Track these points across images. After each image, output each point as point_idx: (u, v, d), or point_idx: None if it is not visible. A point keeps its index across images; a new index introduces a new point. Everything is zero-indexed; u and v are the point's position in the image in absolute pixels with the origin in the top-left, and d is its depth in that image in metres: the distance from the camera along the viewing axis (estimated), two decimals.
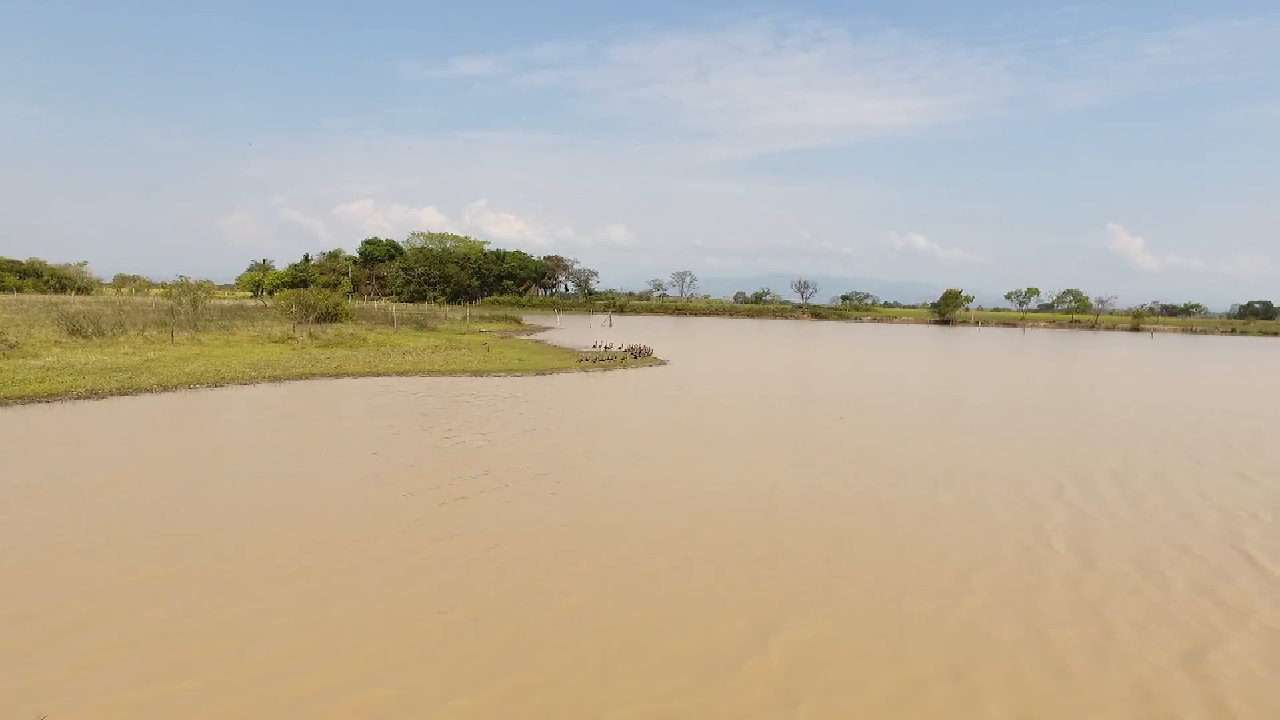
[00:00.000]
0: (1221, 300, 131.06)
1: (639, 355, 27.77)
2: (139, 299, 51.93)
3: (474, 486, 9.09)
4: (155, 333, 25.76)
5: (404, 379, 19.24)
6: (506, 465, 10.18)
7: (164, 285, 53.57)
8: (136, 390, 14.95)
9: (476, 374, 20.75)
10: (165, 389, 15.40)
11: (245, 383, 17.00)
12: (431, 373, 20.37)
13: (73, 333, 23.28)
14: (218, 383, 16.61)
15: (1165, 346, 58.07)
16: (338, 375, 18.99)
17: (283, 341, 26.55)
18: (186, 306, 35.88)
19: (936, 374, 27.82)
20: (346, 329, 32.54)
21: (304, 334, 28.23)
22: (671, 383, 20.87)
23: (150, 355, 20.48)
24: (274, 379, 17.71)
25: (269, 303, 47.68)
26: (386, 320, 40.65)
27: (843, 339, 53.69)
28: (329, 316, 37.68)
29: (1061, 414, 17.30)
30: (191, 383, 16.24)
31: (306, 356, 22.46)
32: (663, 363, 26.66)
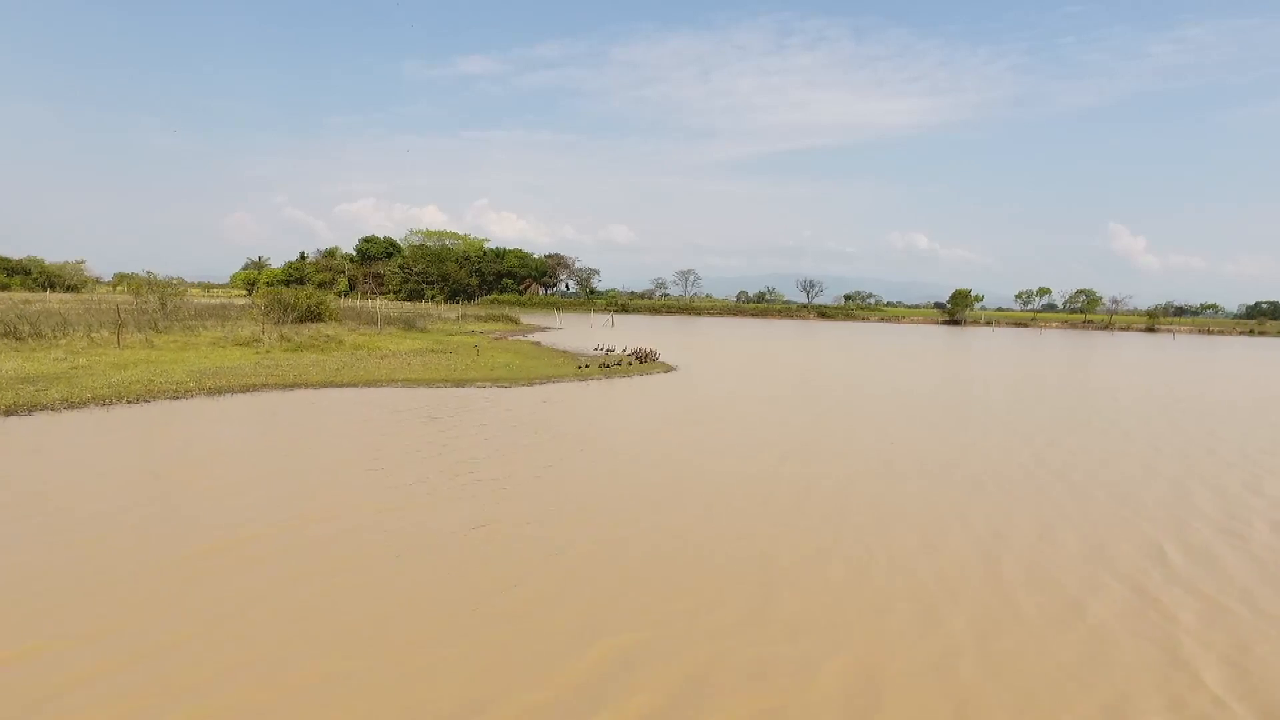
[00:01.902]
0: (1225, 300, 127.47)
1: (644, 360, 25.07)
2: (114, 297, 49.36)
3: (368, 575, 6.38)
4: (107, 334, 23.12)
5: (370, 390, 16.53)
6: (440, 519, 7.47)
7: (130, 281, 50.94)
8: (32, 408, 12.24)
9: (458, 384, 18.03)
10: (71, 406, 12.70)
11: (177, 396, 14.30)
12: (405, 382, 17.66)
13: (4, 335, 20.63)
14: (144, 396, 13.92)
15: (1193, 349, 55.16)
16: (293, 386, 16.28)
17: (247, 344, 23.86)
18: (154, 304, 33.43)
19: (975, 382, 25.01)
20: (326, 330, 29.86)
21: (274, 336, 25.56)
22: (683, 394, 18.15)
23: (83, 361, 17.80)
24: (213, 391, 15.01)
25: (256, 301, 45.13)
26: (374, 320, 37.96)
27: (856, 340, 50.88)
28: (312, 316, 35.03)
29: (1135, 435, 14.53)
30: (111, 396, 13.55)
31: (266, 362, 19.77)
32: (670, 368, 23.93)
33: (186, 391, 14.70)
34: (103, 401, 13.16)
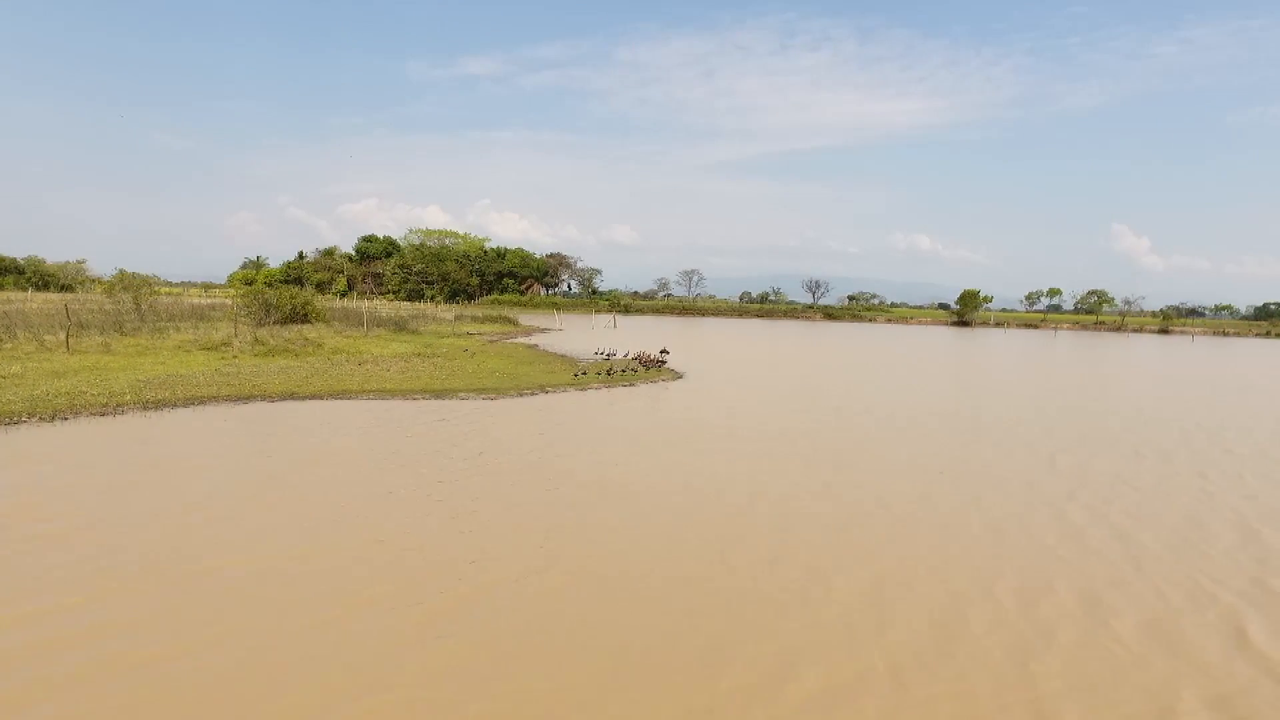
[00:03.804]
0: (1229, 301, 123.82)
1: (649, 366, 22.96)
2: (97, 297, 47.41)
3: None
4: (63, 337, 21.14)
5: (334, 402, 14.48)
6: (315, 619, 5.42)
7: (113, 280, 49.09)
8: None
9: (438, 394, 15.98)
10: None
11: (104, 411, 12.26)
12: (377, 393, 15.60)
13: None
14: (64, 411, 11.89)
15: (1221, 352, 52.81)
16: (248, 398, 14.23)
17: (215, 349, 21.84)
18: (128, 304, 31.52)
19: (1020, 391, 22.87)
20: (308, 332, 27.89)
21: (247, 339, 23.56)
22: (694, 409, 16.07)
23: (16, 369, 15.79)
24: (151, 404, 12.97)
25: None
26: (363, 321, 35.93)
27: (869, 343, 48.70)
28: (297, 317, 33.03)
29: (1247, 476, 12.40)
30: (22, 412, 11.51)
31: (228, 370, 17.74)
32: (678, 375, 21.83)
33: (119, 405, 12.67)
34: (7, 420, 11.12)
